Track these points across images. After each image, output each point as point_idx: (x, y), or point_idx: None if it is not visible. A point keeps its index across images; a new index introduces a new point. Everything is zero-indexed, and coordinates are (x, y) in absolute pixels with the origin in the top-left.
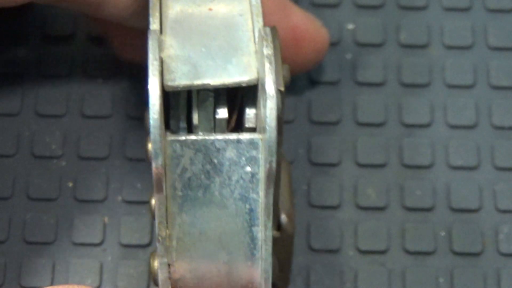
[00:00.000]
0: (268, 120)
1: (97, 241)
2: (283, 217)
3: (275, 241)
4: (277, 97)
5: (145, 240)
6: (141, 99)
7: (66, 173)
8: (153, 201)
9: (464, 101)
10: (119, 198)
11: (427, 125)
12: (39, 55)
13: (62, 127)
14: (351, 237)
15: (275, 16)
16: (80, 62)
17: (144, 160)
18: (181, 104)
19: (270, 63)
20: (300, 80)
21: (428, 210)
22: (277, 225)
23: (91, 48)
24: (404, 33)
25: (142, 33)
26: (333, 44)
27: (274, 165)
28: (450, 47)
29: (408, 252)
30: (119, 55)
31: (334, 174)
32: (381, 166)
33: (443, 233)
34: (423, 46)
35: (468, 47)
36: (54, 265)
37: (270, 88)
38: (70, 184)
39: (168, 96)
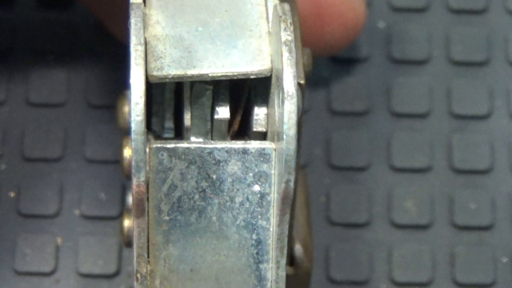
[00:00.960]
0: (285, 127)
1: (47, 269)
2: (298, 248)
3: (287, 280)
4: (297, 95)
5: (111, 269)
6: (108, 82)
7: (7, 180)
8: (126, 223)
9: None
10: (76, 212)
11: (484, 117)
12: None
13: (1, 119)
14: (383, 265)
15: None
16: (24, 31)
17: (108, 162)
18: (167, 97)
19: (290, 51)
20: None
21: (486, 229)
22: (290, 259)
23: (38, 12)
24: None
25: None
26: None
27: (292, 185)
28: None
29: (458, 284)
30: (108, 30)
31: (362, 182)
32: (424, 170)
33: (505, 259)
34: (479, 12)
35: None
36: None
37: (290, 85)
38: (12, 195)
39: (150, 85)
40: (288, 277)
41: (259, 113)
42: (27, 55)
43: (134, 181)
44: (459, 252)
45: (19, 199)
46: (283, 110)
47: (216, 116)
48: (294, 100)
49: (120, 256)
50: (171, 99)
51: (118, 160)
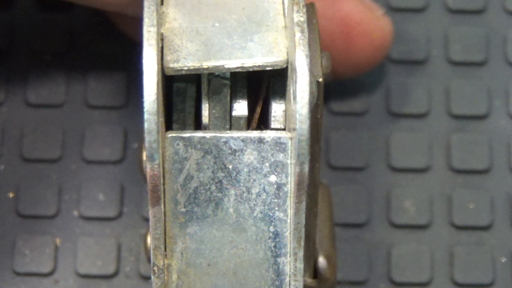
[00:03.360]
0: (298, 106)
1: (46, 270)
2: (321, 261)
3: None
4: (311, 78)
5: (110, 269)
6: (106, 82)
7: (6, 181)
8: (149, 239)
9: None
10: (75, 213)
11: (483, 116)
12: None
13: (0, 120)
14: (382, 265)
15: (319, 2)
16: (23, 32)
17: (107, 163)
18: (188, 104)
19: (302, 31)
20: None
21: (485, 228)
22: (314, 271)
23: (37, 12)
24: None
25: None
26: None
27: (306, 168)
28: None
29: (457, 284)
30: (118, 27)
31: (361, 182)
32: (423, 170)
33: (503, 259)
34: (477, 12)
35: None
36: None
37: (302, 64)
38: (11, 195)
39: (172, 92)
40: None
41: (277, 110)
42: (26, 56)
43: (149, 165)
44: (458, 252)
45: (18, 199)
46: (296, 90)
47: (234, 113)
48: (307, 78)
49: (118, 257)
50: (192, 107)
51: (117, 160)
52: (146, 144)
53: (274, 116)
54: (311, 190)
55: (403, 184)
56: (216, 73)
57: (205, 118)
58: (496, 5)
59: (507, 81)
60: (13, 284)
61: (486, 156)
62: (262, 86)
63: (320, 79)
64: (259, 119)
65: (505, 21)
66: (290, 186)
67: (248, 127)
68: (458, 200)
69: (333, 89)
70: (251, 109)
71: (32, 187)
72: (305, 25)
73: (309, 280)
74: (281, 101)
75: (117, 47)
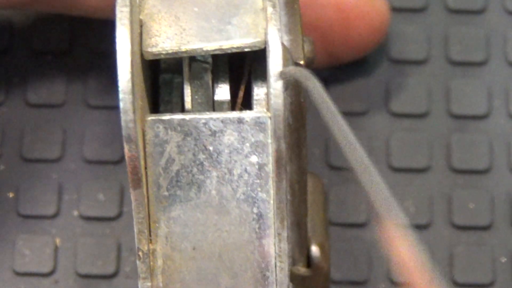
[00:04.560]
0: (272, 80)
1: (46, 270)
2: (314, 250)
3: (304, 281)
4: (286, 56)
5: (110, 269)
6: (106, 82)
7: (5, 180)
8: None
9: None
10: (75, 213)
11: (483, 116)
12: None
13: (0, 119)
14: (382, 265)
15: None
16: (23, 31)
17: (107, 163)
18: (174, 94)
19: (274, 6)
20: None
21: (485, 228)
22: (307, 260)
23: (37, 12)
24: None
25: None
26: None
27: (283, 145)
28: None
29: (457, 284)
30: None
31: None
32: (423, 170)
33: (503, 259)
34: (477, 11)
35: None
36: None
37: (273, 37)
38: (11, 195)
39: (158, 83)
40: (305, 278)
41: (259, 93)
42: (25, 56)
43: (126, 147)
44: (458, 252)
45: (18, 199)
46: (268, 62)
47: (216, 98)
48: (279, 51)
49: (118, 257)
50: (179, 97)
51: (117, 160)
52: (122, 124)
53: (256, 100)
54: (299, 176)
55: (403, 184)
56: (197, 57)
57: (187, 104)
58: (496, 5)
59: (507, 81)
60: (13, 284)
61: (486, 156)
62: (244, 70)
63: (302, 62)
64: (242, 103)
65: (505, 21)
66: (272, 166)
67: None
68: (458, 200)
69: (333, 89)
70: (234, 93)
71: (32, 187)
72: (276, 1)
73: (303, 270)
74: (263, 85)
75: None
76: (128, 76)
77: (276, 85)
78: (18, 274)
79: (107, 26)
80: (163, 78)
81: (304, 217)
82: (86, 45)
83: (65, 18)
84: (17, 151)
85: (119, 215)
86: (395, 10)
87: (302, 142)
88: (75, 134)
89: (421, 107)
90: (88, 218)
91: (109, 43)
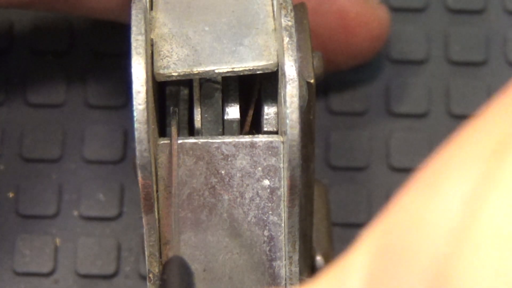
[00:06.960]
0: (288, 111)
1: (46, 270)
2: (319, 260)
3: None
4: (301, 82)
5: (110, 269)
6: (106, 82)
7: (5, 180)
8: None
9: None
10: (75, 213)
11: None
12: None
13: (0, 119)
14: None
15: None
16: (23, 31)
17: (107, 163)
18: (181, 106)
19: (290, 36)
20: None
21: None
22: (311, 270)
23: (37, 12)
24: None
25: None
26: None
27: (298, 172)
28: None
29: None
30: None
31: (361, 182)
32: None
33: None
34: (477, 12)
35: None
36: None
37: (290, 68)
38: (11, 195)
39: (164, 95)
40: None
41: (269, 112)
42: (25, 56)
43: (140, 174)
44: None
45: (18, 199)
46: (286, 95)
47: (226, 117)
48: (296, 83)
49: (118, 257)
50: (185, 110)
51: (117, 160)
52: (137, 153)
53: (266, 119)
54: (306, 190)
55: (403, 184)
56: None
57: (197, 123)
58: (496, 5)
59: (507, 81)
60: (13, 284)
61: None
62: (254, 89)
63: (312, 80)
64: (252, 122)
65: (505, 21)
66: (284, 190)
67: (241, 130)
68: None
69: (333, 89)
70: (244, 112)
71: (32, 187)
72: (293, 30)
73: (308, 280)
74: (273, 104)
75: (117, 47)
76: (144, 105)
77: (292, 117)
78: (18, 274)
79: (107, 26)
80: (170, 90)
81: (310, 228)
82: (86, 45)
83: (65, 18)
84: (17, 151)
85: (119, 215)
86: (395, 10)
87: (310, 157)
88: (75, 134)
89: (421, 107)
90: (88, 218)
91: (109, 43)
